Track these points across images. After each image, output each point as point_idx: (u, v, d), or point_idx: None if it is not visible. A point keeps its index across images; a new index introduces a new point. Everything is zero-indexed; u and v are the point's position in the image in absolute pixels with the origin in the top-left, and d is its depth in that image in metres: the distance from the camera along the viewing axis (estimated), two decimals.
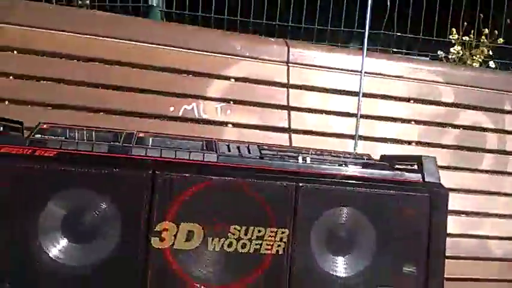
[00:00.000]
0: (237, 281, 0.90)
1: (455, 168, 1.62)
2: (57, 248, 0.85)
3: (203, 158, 0.93)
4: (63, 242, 0.86)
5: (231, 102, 1.50)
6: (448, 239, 1.45)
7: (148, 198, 0.87)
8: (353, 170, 1.00)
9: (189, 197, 0.89)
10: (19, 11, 1.36)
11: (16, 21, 1.34)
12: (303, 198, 0.92)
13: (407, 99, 1.61)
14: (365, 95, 1.50)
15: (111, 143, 0.92)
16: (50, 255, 0.85)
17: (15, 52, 1.35)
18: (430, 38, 2.19)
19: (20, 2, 1.37)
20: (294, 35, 2.09)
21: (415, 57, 2.14)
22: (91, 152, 0.89)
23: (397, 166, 1.05)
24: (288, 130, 1.51)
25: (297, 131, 1.52)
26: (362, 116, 1.46)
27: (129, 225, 0.87)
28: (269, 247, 0.91)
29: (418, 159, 1.03)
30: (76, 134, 0.97)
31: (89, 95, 1.38)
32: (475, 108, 1.66)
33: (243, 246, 0.90)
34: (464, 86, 1.65)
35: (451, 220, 1.45)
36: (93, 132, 0.98)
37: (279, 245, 0.91)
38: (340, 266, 0.96)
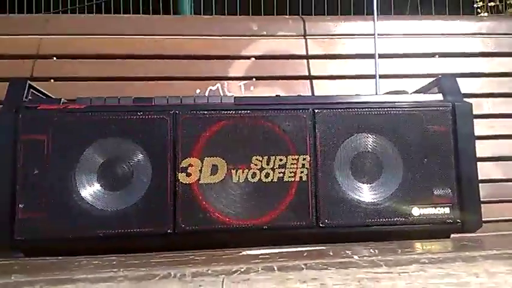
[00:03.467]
0: (262, 213, 0.92)
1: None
2: (92, 192, 0.92)
3: (221, 100, 0.98)
4: (98, 187, 0.92)
5: (254, 79, 1.55)
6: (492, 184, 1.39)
7: (172, 138, 0.92)
8: (370, 97, 1.00)
9: (210, 134, 0.93)
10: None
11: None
12: (321, 124, 0.94)
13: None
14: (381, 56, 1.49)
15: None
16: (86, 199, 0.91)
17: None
18: None
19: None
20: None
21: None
22: (117, 104, 0.96)
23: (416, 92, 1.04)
24: None
25: None
26: (381, 76, 1.44)
27: (158, 166, 0.92)
28: (292, 174, 0.92)
29: (436, 80, 1.02)
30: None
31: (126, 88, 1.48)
32: None
33: (267, 175, 0.92)
34: None
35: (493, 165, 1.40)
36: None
37: (302, 171, 0.93)
38: (367, 193, 0.95)
